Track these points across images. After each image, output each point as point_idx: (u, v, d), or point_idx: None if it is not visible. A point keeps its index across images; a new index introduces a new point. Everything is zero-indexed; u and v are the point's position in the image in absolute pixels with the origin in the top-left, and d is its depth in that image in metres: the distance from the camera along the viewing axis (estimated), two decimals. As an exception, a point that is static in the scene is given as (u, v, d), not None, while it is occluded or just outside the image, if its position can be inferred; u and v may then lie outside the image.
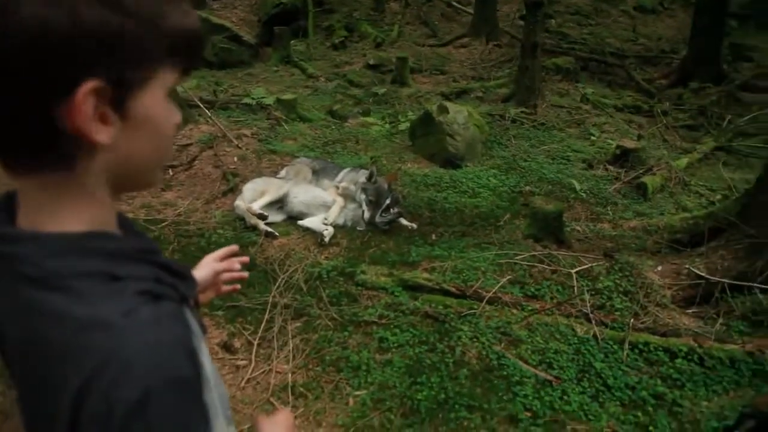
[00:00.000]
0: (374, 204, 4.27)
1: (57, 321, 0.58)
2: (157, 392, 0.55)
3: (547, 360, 2.93)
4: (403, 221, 4.40)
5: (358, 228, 4.28)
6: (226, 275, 1.17)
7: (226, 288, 1.18)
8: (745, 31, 11.19)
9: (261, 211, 4.14)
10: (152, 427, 0.55)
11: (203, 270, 1.13)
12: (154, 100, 0.63)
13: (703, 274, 3.50)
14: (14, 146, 0.60)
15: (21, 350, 0.62)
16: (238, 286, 1.21)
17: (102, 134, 0.60)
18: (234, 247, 1.21)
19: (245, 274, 1.21)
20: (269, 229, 4.04)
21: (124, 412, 0.54)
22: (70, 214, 0.63)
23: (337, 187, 4.55)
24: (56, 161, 0.61)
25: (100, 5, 0.56)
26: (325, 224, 4.14)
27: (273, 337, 3.08)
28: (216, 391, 0.71)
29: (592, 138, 6.62)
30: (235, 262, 1.17)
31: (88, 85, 0.56)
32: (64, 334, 0.57)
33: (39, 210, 0.63)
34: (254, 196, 4.31)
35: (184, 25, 0.63)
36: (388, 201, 4.29)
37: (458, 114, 5.79)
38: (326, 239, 3.99)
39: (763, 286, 3.30)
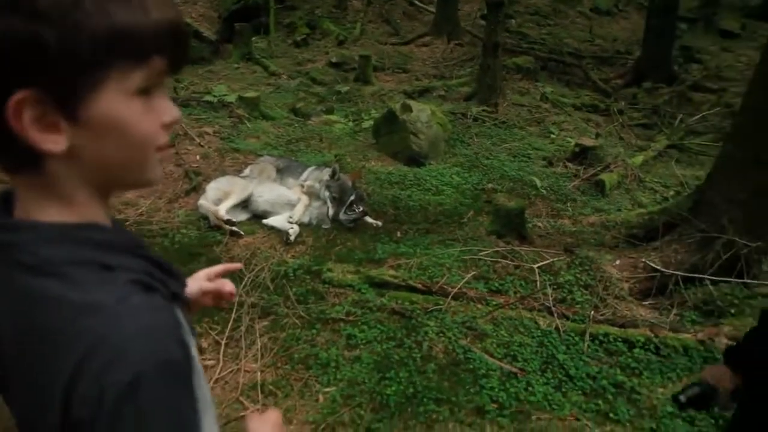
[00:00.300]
0: (338, 201, 4.29)
1: (52, 306, 0.59)
2: (149, 376, 0.56)
3: (512, 353, 3.00)
4: (368, 219, 4.43)
5: (324, 226, 4.28)
6: (209, 299, 1.13)
7: (208, 303, 1.15)
8: (694, 33, 11.63)
9: (229, 217, 4.08)
10: (143, 411, 0.56)
11: (193, 284, 1.11)
12: (114, 102, 0.61)
13: (658, 267, 3.64)
14: None
15: (14, 337, 0.63)
16: (224, 305, 1.20)
17: (50, 143, 0.60)
18: (234, 266, 1.19)
19: (232, 294, 1.17)
20: (234, 229, 4.00)
21: (115, 396, 0.55)
22: (63, 207, 0.65)
23: (302, 186, 4.55)
24: (22, 165, 0.63)
25: (19, 17, 0.55)
26: (291, 223, 4.13)
27: (241, 336, 3.07)
28: (206, 389, 0.72)
29: (552, 136, 6.78)
30: (226, 285, 1.14)
31: (17, 97, 0.57)
32: (59, 319, 0.59)
33: (32, 203, 0.65)
34: (218, 196, 4.26)
35: (129, 23, 0.59)
36: (352, 198, 4.32)
37: (421, 112, 5.84)
38: (291, 238, 3.99)
39: (713, 278, 3.45)
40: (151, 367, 0.57)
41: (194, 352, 0.69)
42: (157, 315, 0.62)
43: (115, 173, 0.67)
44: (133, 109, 0.63)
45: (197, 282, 1.13)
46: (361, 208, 4.33)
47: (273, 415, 0.96)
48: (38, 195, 0.65)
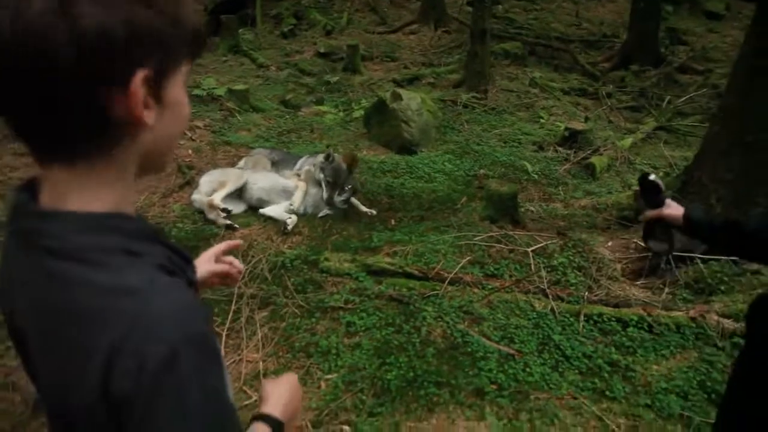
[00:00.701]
0: (332, 184, 4.31)
1: (83, 288, 0.63)
2: (185, 348, 0.61)
3: (509, 335, 3.06)
4: (362, 208, 4.46)
5: (320, 215, 4.31)
6: (217, 279, 1.22)
7: (215, 283, 1.23)
8: (680, 15, 11.69)
9: (225, 206, 4.10)
10: (182, 380, 0.60)
11: (201, 267, 1.17)
12: (179, 87, 0.71)
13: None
14: (65, 134, 0.64)
15: (40, 321, 0.66)
16: (232, 283, 1.27)
17: (148, 118, 0.66)
18: (236, 243, 1.27)
19: (240, 272, 1.26)
20: (229, 222, 4.02)
21: (154, 367, 0.59)
22: (94, 197, 0.68)
23: (299, 175, 4.56)
24: (102, 146, 0.67)
25: (146, 8, 0.63)
26: (292, 210, 4.16)
27: (241, 327, 3.10)
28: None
29: (542, 121, 6.82)
30: (234, 264, 1.23)
31: (141, 75, 0.63)
32: (91, 300, 0.62)
33: (64, 192, 0.68)
34: (212, 188, 4.27)
35: (195, 23, 0.71)
36: (347, 181, 4.35)
37: (411, 101, 5.87)
38: (289, 227, 4.01)
39: (703, 257, 3.52)
40: (186, 341, 0.61)
41: None
42: (185, 294, 0.67)
43: (160, 154, 0.74)
44: (185, 94, 0.73)
45: (205, 264, 1.20)
46: (350, 186, 4.35)
47: (289, 377, 1.01)
48: (80, 181, 0.67)
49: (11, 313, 0.72)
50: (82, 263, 0.63)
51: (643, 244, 3.68)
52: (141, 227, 0.71)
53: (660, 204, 1.71)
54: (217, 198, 4.14)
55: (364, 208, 4.46)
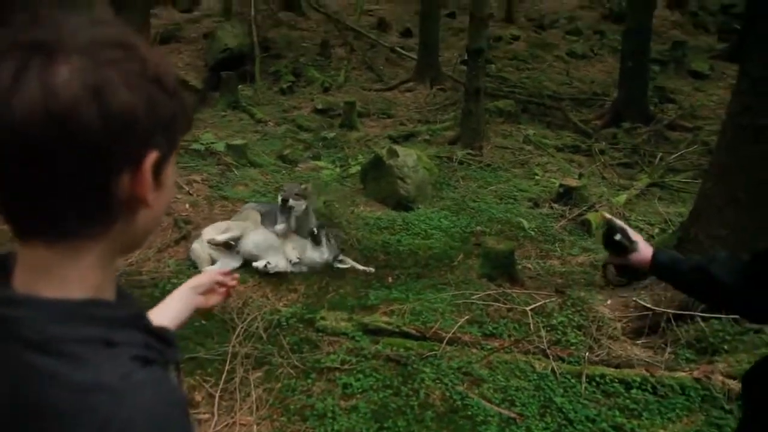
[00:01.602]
0: (295, 219, 4.36)
1: (56, 384, 0.59)
2: None
3: (510, 397, 2.99)
4: (358, 266, 4.44)
5: (293, 262, 4.30)
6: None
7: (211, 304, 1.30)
8: (666, 75, 12.05)
9: (226, 240, 4.11)
10: None
11: (179, 301, 1.21)
12: (172, 167, 0.72)
13: (648, 306, 3.67)
14: (61, 213, 0.63)
15: (12, 415, 0.63)
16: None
17: (150, 198, 0.67)
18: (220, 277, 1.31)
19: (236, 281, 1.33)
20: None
21: None
22: (75, 280, 0.66)
23: (277, 235, 4.53)
24: (96, 225, 0.65)
25: (164, 93, 0.65)
26: (297, 262, 4.19)
27: (235, 388, 3.01)
28: None
29: (536, 177, 6.90)
30: (228, 284, 1.31)
31: (152, 156, 0.64)
32: (64, 398, 0.59)
33: (43, 273, 0.65)
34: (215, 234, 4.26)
35: (189, 104, 0.72)
36: (313, 223, 4.38)
37: (408, 157, 5.93)
38: (270, 270, 4.06)
39: (703, 314, 3.49)
40: None
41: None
42: (160, 389, 0.64)
43: (145, 233, 0.73)
44: (174, 173, 0.73)
45: (187, 301, 1.24)
46: (336, 244, 4.36)
47: None
48: (63, 261, 0.65)
49: None
50: (57, 357, 0.60)
51: (643, 303, 3.67)
52: (120, 315, 0.68)
53: (622, 248, 1.62)
54: (220, 236, 4.14)
55: (360, 267, 4.44)
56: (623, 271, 1.69)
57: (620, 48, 10.07)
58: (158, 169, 0.67)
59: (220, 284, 1.30)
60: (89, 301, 0.66)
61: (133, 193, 0.65)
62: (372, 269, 4.42)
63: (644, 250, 1.61)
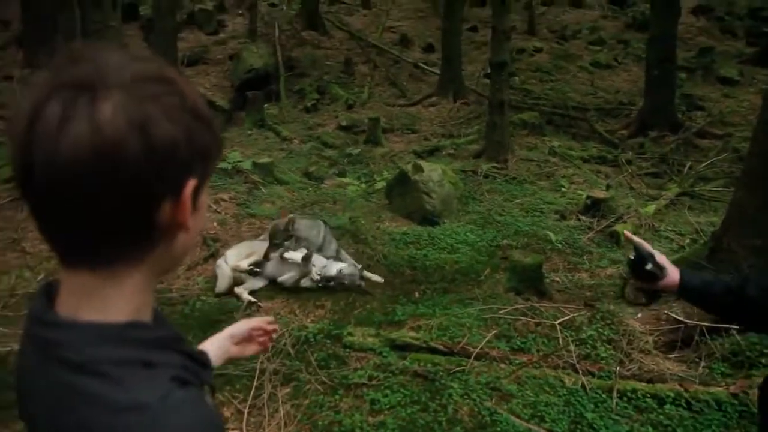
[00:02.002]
0: (271, 244, 4.25)
1: (97, 404, 0.62)
2: None
3: (539, 413, 2.95)
4: (372, 276, 4.41)
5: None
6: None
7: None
8: (694, 82, 11.86)
9: (250, 267, 4.12)
10: None
11: (216, 347, 1.20)
12: (206, 192, 0.75)
13: (681, 319, 3.60)
14: (104, 240, 0.65)
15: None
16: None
17: (190, 223, 0.70)
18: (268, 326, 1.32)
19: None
20: (252, 299, 4.03)
21: None
22: (116, 304, 0.68)
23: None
24: (137, 251, 0.68)
25: (201, 124, 0.69)
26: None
27: (263, 404, 3.04)
28: None
29: (563, 189, 6.84)
30: (266, 329, 1.32)
31: (192, 184, 0.67)
32: (103, 417, 0.61)
33: (86, 298, 0.68)
34: (239, 259, 4.30)
35: (219, 131, 0.75)
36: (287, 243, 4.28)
37: (433, 172, 5.95)
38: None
39: (739, 327, 3.40)
40: None
41: None
42: (196, 410, 0.66)
43: (182, 257, 0.76)
44: (207, 197, 0.76)
45: (223, 349, 1.25)
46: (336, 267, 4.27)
47: None
48: (105, 287, 0.68)
49: (30, 419, 0.72)
50: (98, 378, 0.63)
51: (675, 316, 3.59)
52: (158, 336, 0.71)
53: (652, 277, 1.57)
54: (244, 263, 4.17)
55: (376, 277, 4.42)
56: (647, 293, 1.64)
57: (645, 56, 9.96)
58: (195, 194, 0.69)
59: (258, 330, 1.31)
60: (128, 324, 0.68)
61: (174, 219, 0.67)
62: (382, 279, 4.42)
63: (672, 273, 1.56)
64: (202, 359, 0.77)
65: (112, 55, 0.65)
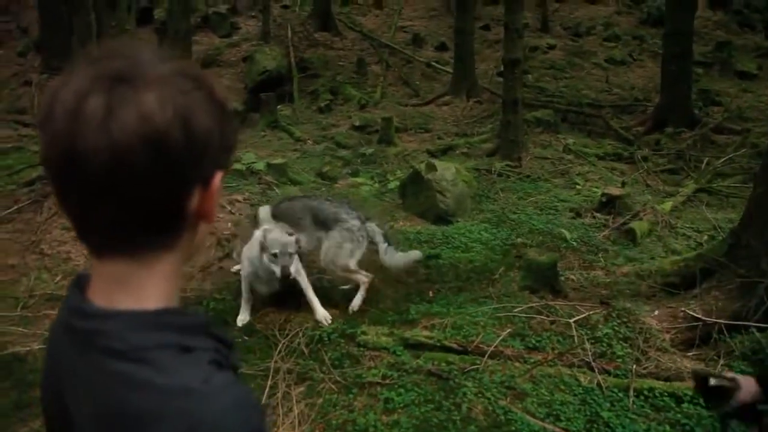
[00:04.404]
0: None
1: (142, 390, 0.64)
2: None
3: (554, 412, 2.92)
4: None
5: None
6: None
7: None
8: (711, 77, 11.71)
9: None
10: None
11: None
12: (220, 180, 0.76)
13: (699, 316, 3.55)
14: (138, 229, 0.68)
15: (99, 421, 0.67)
16: None
17: (215, 212, 0.74)
18: None
19: None
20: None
21: None
22: (151, 289, 0.71)
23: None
24: (168, 238, 0.71)
25: (227, 119, 0.73)
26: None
27: (277, 403, 3.05)
28: None
29: (578, 187, 6.78)
30: None
31: (220, 174, 0.72)
32: (150, 402, 0.63)
33: (120, 286, 0.70)
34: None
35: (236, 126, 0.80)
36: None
37: (446, 171, 5.93)
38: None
39: (759, 325, 3.34)
40: None
41: None
42: (237, 390, 0.68)
43: (202, 242, 0.79)
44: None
45: None
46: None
47: None
48: (140, 274, 0.70)
49: (64, 412, 0.73)
50: (143, 364, 0.65)
51: (692, 313, 3.54)
52: (192, 321, 0.73)
53: (723, 391, 1.46)
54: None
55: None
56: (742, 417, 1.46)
57: (661, 52, 9.84)
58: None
59: None
60: (163, 310, 0.71)
61: (202, 208, 0.71)
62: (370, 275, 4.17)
63: (745, 383, 1.44)
64: (228, 341, 0.78)
65: (144, 51, 0.68)
